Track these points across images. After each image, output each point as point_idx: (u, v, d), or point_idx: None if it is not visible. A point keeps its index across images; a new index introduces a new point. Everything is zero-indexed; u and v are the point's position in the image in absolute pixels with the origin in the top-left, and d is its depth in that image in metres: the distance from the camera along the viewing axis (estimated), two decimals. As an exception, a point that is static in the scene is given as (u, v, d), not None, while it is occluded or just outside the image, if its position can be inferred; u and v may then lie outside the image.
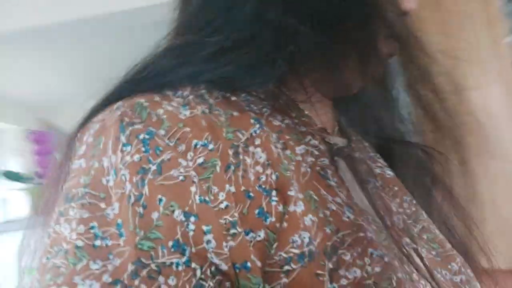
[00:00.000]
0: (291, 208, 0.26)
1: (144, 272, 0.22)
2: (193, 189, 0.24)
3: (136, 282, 0.22)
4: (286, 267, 0.25)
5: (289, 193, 0.26)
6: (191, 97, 0.28)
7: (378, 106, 0.44)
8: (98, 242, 0.23)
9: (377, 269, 0.27)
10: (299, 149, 0.30)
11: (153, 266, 0.22)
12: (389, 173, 0.39)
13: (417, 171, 0.42)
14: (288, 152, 0.29)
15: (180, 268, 0.23)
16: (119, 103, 0.27)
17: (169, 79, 0.29)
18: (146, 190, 0.23)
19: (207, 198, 0.24)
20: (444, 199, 0.42)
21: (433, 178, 0.42)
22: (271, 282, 0.24)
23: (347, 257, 0.26)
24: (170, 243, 0.23)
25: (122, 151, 0.24)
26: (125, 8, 1.86)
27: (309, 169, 0.29)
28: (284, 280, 0.24)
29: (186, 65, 0.30)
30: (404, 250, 0.29)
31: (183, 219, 0.23)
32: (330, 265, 0.25)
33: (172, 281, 0.22)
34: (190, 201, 0.24)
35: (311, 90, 0.34)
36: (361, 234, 0.28)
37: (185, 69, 0.30)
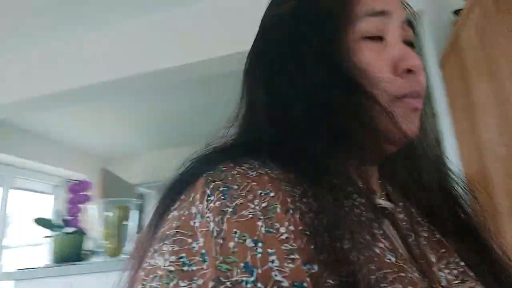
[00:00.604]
0: (340, 244, 0.32)
1: (221, 287, 0.28)
2: (259, 223, 0.31)
3: None
4: None
5: (337, 231, 0.33)
6: (256, 163, 0.37)
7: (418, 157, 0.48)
8: (186, 268, 0.30)
9: None
10: (346, 202, 0.37)
11: (228, 283, 0.28)
12: (436, 235, 0.43)
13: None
14: (339, 201, 0.35)
15: (249, 285, 0.28)
16: (206, 168, 0.36)
17: (240, 153, 0.39)
18: (225, 226, 0.31)
19: (271, 230, 0.31)
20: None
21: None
22: None
23: None
24: (242, 265, 0.29)
25: (207, 200, 0.33)
26: (185, 62, 1.94)
27: (355, 218, 0.36)
28: None
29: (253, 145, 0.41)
30: None
31: (253, 245, 0.30)
32: None
33: None
34: (258, 232, 0.30)
35: (350, 159, 0.41)
36: (402, 274, 0.33)
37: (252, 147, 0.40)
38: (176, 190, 0.37)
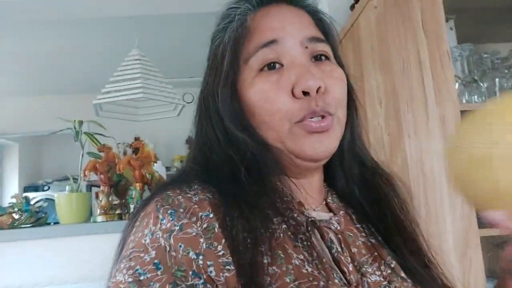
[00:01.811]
0: (260, 259, 0.38)
1: None
2: (201, 240, 0.37)
3: None
4: None
5: (260, 248, 0.38)
6: (199, 189, 0.42)
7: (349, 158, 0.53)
8: (142, 277, 0.35)
9: None
10: (276, 220, 0.41)
11: (183, 285, 0.34)
12: (371, 240, 0.48)
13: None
14: (267, 221, 0.40)
15: (200, 286, 0.35)
16: (155, 197, 0.42)
17: (188, 180, 0.44)
18: (172, 241, 0.37)
19: (211, 246, 0.37)
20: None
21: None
22: None
23: None
24: (191, 272, 0.35)
25: (160, 223, 0.38)
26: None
27: (281, 234, 0.41)
28: None
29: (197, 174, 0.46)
30: None
31: (195, 257, 0.36)
32: None
33: None
34: (200, 247, 0.37)
35: (284, 178, 0.47)
36: (315, 283, 0.38)
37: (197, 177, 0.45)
38: (135, 217, 0.42)
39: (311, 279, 0.38)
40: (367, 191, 0.51)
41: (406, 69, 1.10)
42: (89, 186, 2.62)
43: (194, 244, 0.36)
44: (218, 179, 0.43)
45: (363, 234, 0.48)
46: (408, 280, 0.45)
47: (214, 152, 0.47)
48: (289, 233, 0.41)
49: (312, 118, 0.43)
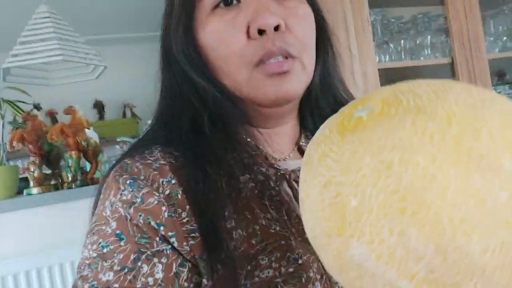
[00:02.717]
0: (223, 224, 0.36)
1: (143, 257, 0.34)
2: (163, 208, 0.36)
3: (139, 263, 0.34)
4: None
5: (224, 213, 0.37)
6: (160, 154, 0.40)
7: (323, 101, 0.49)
8: (105, 250, 0.34)
9: (291, 270, 0.36)
10: (243, 178, 0.40)
11: (149, 252, 0.34)
12: None
13: None
14: (233, 181, 0.39)
15: (168, 251, 0.35)
16: (116, 168, 0.40)
17: (147, 144, 0.43)
18: (131, 211, 0.36)
19: (173, 214, 0.36)
20: None
21: None
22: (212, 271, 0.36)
23: (264, 261, 0.36)
24: (157, 238, 0.35)
25: (121, 194, 0.37)
26: None
27: (248, 193, 0.39)
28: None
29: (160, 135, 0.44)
30: None
31: (156, 227, 0.35)
32: (249, 267, 0.35)
33: (164, 260, 0.35)
34: (161, 216, 0.36)
35: (249, 128, 0.44)
36: (283, 242, 0.37)
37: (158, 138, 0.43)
38: (100, 190, 0.41)
39: (278, 238, 0.37)
40: None
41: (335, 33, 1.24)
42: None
43: (155, 214, 0.35)
44: (180, 135, 0.41)
45: None
46: None
47: (175, 102, 0.44)
48: (256, 191, 0.39)
49: (270, 60, 0.39)
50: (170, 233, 0.35)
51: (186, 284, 0.35)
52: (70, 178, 1.50)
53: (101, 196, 0.39)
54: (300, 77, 0.41)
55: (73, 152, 1.50)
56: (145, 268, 0.33)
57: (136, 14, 2.70)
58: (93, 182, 1.53)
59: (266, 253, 0.36)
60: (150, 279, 0.33)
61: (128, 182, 0.37)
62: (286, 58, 0.39)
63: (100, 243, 0.35)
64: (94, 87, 2.85)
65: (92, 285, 0.33)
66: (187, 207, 0.36)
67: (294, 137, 0.49)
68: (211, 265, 0.35)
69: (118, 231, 0.35)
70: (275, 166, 0.43)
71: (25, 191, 1.52)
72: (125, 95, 3.90)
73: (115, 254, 0.34)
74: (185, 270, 0.35)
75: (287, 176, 0.42)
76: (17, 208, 1.44)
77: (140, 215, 0.35)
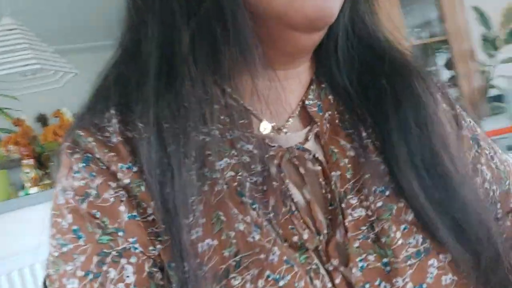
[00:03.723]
0: (187, 237, 0.28)
1: (108, 259, 0.28)
2: (121, 209, 0.30)
3: (104, 267, 0.28)
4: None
5: (185, 221, 0.28)
6: (118, 126, 0.32)
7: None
8: (64, 249, 0.29)
9: None
10: (219, 164, 0.30)
11: (114, 253, 0.28)
12: (363, 154, 0.34)
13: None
14: (205, 169, 0.29)
15: (137, 250, 0.29)
16: (68, 138, 0.32)
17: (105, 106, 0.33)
18: (85, 206, 0.30)
19: (136, 216, 0.30)
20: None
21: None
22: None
23: (237, 282, 0.28)
24: (121, 233, 0.29)
25: (73, 177, 0.30)
26: None
27: (225, 186, 0.30)
28: None
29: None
30: (322, 270, 0.30)
31: (115, 231, 0.29)
32: None
33: (133, 259, 0.29)
34: (119, 219, 0.29)
35: (242, 79, 0.32)
36: (262, 256, 0.28)
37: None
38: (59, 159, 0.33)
39: (257, 251, 0.29)
40: (373, 79, 0.36)
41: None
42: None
43: (111, 215, 0.29)
44: (141, 89, 0.31)
45: (355, 145, 0.34)
46: (409, 214, 0.32)
47: (147, 25, 0.31)
48: (236, 183, 0.30)
49: None
50: (131, 239, 0.29)
51: (162, 283, 0.29)
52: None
53: (60, 169, 0.32)
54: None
55: (67, 151, 1.62)
56: (113, 273, 0.28)
57: (98, 24, 2.78)
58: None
59: (240, 270, 0.28)
60: (121, 285, 0.28)
61: (80, 165, 0.30)
62: None
63: (58, 239, 0.30)
64: (60, 95, 2.88)
65: None
66: (152, 203, 0.30)
67: (302, 86, 0.37)
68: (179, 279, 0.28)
69: (74, 227, 0.29)
70: (267, 142, 0.33)
71: (22, 192, 1.61)
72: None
73: (76, 256, 0.28)
74: (159, 270, 0.29)
75: (281, 158, 0.33)
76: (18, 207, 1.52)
77: (96, 213, 0.29)
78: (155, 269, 0.29)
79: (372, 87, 0.36)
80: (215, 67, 0.31)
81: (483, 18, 2.00)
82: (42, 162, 1.67)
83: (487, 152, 0.40)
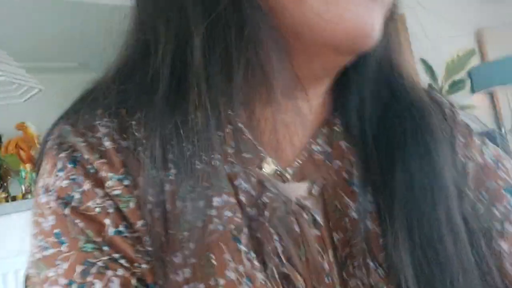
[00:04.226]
0: (173, 277, 0.26)
1: (93, 270, 0.26)
2: (108, 221, 0.27)
3: (89, 278, 0.26)
4: None
5: (174, 259, 0.26)
6: (111, 125, 0.29)
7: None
8: (46, 252, 0.27)
9: None
10: (217, 201, 0.28)
11: (99, 264, 0.26)
12: (369, 225, 0.31)
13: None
14: (201, 203, 0.27)
15: (124, 264, 0.26)
16: (54, 130, 0.30)
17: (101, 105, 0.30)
18: (68, 212, 0.27)
19: (121, 232, 0.27)
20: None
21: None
22: None
23: None
24: (106, 248, 0.27)
25: (56, 175, 0.28)
26: None
27: (220, 227, 0.27)
28: None
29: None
30: None
31: (96, 246, 0.26)
32: None
33: (120, 272, 0.26)
34: (103, 233, 0.27)
35: (252, 109, 0.30)
36: None
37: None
38: (40, 155, 0.31)
39: None
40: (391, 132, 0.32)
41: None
42: None
43: (95, 228, 0.27)
44: (147, 94, 0.28)
45: (358, 207, 0.31)
46: None
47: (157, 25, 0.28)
48: (233, 226, 0.28)
49: None
50: (115, 255, 0.27)
51: None
52: (24, 190, 1.58)
53: (42, 164, 0.30)
54: (384, 13, 0.27)
55: (27, 165, 1.59)
56: (98, 285, 0.26)
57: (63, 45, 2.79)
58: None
59: None
60: None
61: (66, 164, 0.28)
62: None
63: (40, 240, 0.27)
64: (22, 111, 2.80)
65: None
66: (140, 222, 0.27)
67: (313, 125, 0.33)
68: None
69: (56, 230, 0.27)
70: (266, 185, 0.30)
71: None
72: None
73: (58, 262, 0.26)
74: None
75: (275, 210, 0.29)
76: None
77: (79, 222, 0.27)
78: (141, 285, 0.27)
79: (391, 136, 0.32)
80: (227, 88, 0.27)
81: (429, 70, 2.24)
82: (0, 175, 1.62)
83: None
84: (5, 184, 1.63)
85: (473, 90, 2.42)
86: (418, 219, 0.29)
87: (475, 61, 2.41)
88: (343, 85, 0.33)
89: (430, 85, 2.22)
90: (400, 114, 0.32)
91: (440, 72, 2.26)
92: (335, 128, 0.34)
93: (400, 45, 0.33)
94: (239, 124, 0.30)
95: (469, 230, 0.31)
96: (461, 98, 2.25)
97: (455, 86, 2.25)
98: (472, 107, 2.26)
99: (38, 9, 2.61)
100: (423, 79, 2.21)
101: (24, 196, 1.56)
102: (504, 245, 0.31)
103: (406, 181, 0.30)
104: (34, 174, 1.66)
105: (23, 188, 1.59)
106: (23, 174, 1.59)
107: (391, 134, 0.32)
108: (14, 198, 1.58)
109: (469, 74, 2.40)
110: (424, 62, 2.22)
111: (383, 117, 0.33)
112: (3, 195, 1.59)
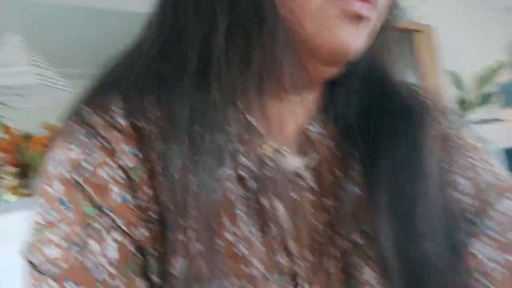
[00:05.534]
0: (179, 237, 0.29)
1: (93, 232, 0.28)
2: (116, 189, 0.29)
3: (88, 240, 0.27)
4: None
5: (179, 222, 0.29)
6: (129, 111, 0.32)
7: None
8: (50, 218, 0.29)
9: None
10: (220, 174, 0.30)
11: (100, 227, 0.28)
12: (359, 193, 0.35)
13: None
14: (207, 175, 0.30)
15: (125, 230, 0.28)
16: (73, 111, 0.32)
17: (119, 90, 0.33)
18: (80, 179, 0.29)
19: (127, 197, 0.29)
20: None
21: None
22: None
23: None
24: (112, 214, 0.29)
25: (69, 149, 0.30)
26: None
27: (222, 197, 0.30)
28: None
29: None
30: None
31: (103, 208, 0.29)
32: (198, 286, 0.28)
33: (119, 238, 0.28)
34: (109, 200, 0.29)
35: (254, 100, 0.33)
36: (245, 269, 0.29)
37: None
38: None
39: (242, 263, 0.30)
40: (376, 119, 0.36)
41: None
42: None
43: (103, 194, 0.29)
44: (175, 80, 0.31)
45: (349, 179, 0.35)
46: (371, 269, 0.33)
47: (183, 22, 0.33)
48: (233, 195, 0.31)
49: None
50: (118, 221, 0.29)
51: (142, 267, 0.29)
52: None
53: (55, 140, 0.32)
54: (366, 36, 0.32)
55: (53, 162, 1.66)
56: (96, 247, 0.28)
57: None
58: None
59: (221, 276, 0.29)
60: (102, 259, 0.27)
61: (81, 137, 0.30)
62: (368, 2, 0.30)
63: (45, 208, 0.29)
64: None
65: (40, 261, 0.28)
66: (151, 193, 0.30)
67: (309, 113, 0.37)
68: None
69: (63, 197, 0.29)
70: (266, 161, 0.34)
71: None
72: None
73: (61, 225, 0.28)
74: (142, 255, 0.29)
75: (275, 181, 0.33)
76: None
77: (87, 188, 0.29)
78: (138, 253, 0.29)
79: (378, 126, 0.37)
80: (242, 74, 0.32)
81: (457, 82, 2.17)
82: (24, 172, 1.69)
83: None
84: (29, 181, 1.69)
85: (506, 105, 2.32)
86: (399, 192, 0.34)
87: (506, 74, 2.32)
88: (339, 82, 0.37)
89: (458, 98, 2.16)
90: (387, 105, 0.37)
91: (469, 84, 2.19)
92: (329, 115, 0.38)
93: (392, 49, 0.39)
94: (242, 110, 0.34)
95: (447, 209, 0.34)
96: (491, 112, 2.16)
97: (484, 99, 2.17)
98: (502, 121, 2.16)
99: (73, 18, 2.75)
100: (451, 91, 2.15)
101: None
102: (478, 243, 0.35)
103: (391, 163, 0.35)
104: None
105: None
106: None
107: (378, 122, 0.37)
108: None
109: (503, 88, 2.31)
110: (452, 74, 2.16)
111: (373, 108, 0.37)
112: (27, 192, 1.66)
